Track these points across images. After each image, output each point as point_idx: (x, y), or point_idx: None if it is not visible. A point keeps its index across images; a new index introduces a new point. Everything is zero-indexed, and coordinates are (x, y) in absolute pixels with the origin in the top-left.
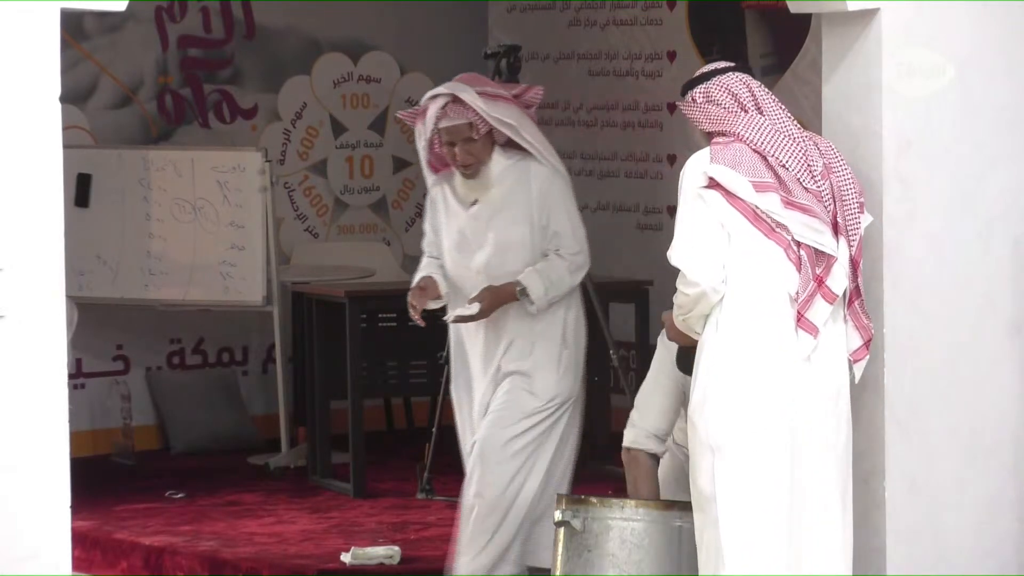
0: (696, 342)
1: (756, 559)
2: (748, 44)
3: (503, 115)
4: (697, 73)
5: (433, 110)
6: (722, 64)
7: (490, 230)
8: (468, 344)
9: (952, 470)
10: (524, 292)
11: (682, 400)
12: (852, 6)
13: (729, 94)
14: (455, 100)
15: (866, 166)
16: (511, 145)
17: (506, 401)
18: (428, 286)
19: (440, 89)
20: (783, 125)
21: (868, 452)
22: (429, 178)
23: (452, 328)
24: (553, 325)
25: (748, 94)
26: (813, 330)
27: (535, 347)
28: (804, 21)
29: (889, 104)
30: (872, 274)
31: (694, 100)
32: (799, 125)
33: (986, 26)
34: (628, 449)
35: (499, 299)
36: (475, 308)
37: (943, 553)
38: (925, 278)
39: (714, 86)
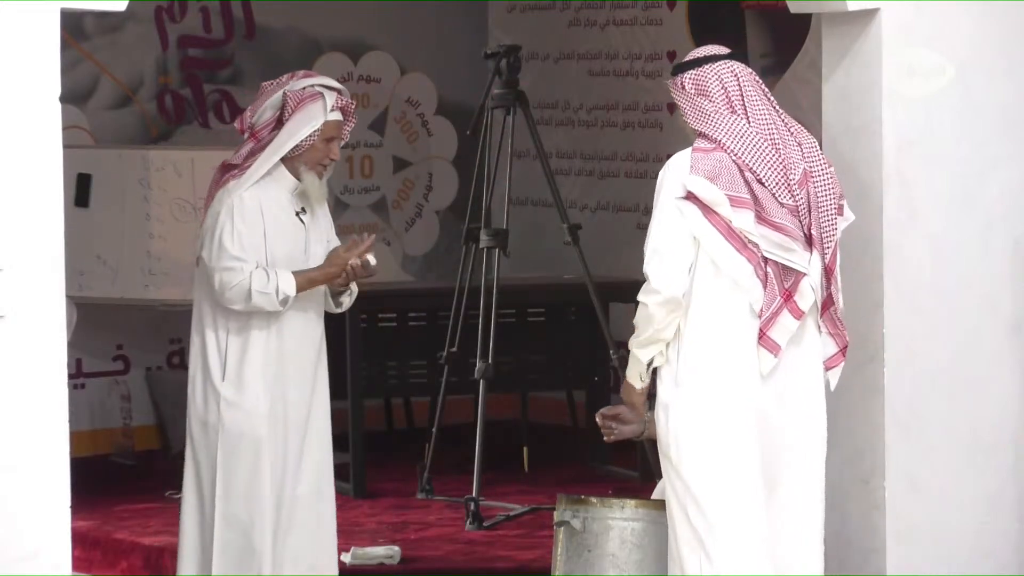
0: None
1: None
2: (748, 44)
3: None
4: (690, 56)
5: (333, 99)
6: (717, 50)
7: (312, 243)
8: (291, 355)
9: (952, 470)
10: None
11: None
12: (852, 6)
13: (720, 86)
14: (343, 93)
15: (866, 166)
16: None
17: (325, 457)
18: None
19: (331, 81)
20: (767, 130)
21: (868, 452)
22: (256, 177)
23: (275, 332)
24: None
25: (737, 89)
26: (775, 348)
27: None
28: (804, 21)
29: (889, 104)
30: (872, 274)
31: (683, 87)
32: (786, 121)
33: (986, 26)
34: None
35: None
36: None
37: (943, 553)
38: (925, 278)
39: (707, 75)
